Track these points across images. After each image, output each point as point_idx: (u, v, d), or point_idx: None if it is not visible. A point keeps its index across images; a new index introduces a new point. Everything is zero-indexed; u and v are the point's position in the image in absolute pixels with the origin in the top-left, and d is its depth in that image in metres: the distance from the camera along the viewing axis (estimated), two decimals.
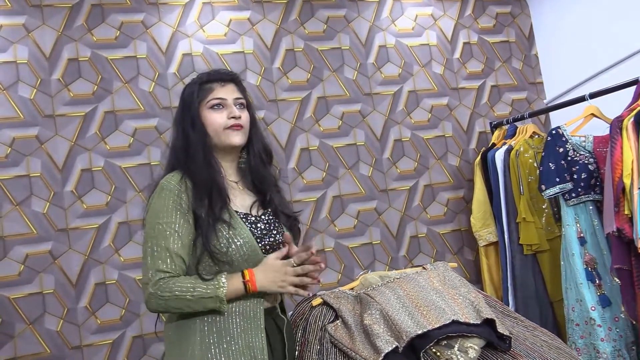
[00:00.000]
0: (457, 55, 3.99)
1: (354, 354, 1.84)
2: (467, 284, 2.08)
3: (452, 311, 1.83)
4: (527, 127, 3.60)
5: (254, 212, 1.94)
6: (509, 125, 3.76)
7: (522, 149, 3.45)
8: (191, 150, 1.89)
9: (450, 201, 3.85)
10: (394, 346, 1.78)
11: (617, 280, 2.83)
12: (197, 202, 1.81)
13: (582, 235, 3.08)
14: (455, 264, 2.31)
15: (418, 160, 3.79)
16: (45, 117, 3.14)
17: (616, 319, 2.97)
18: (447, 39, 3.99)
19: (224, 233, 1.81)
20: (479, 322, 1.82)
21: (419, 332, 1.77)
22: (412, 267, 2.50)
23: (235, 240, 1.82)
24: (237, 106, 1.96)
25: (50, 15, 3.23)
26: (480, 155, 3.69)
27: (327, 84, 3.68)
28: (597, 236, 3.06)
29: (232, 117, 1.92)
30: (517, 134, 3.63)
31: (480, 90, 4.00)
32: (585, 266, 3.05)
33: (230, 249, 1.81)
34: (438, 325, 1.78)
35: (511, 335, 1.86)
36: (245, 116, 1.97)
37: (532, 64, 4.15)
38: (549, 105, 3.94)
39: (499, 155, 3.52)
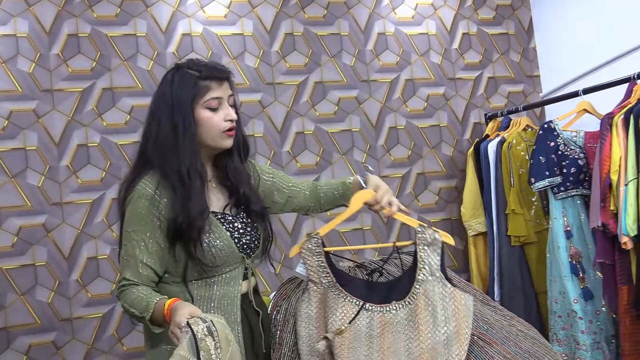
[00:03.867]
0: (455, 45, 4.01)
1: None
2: (451, 312, 1.91)
3: None
4: (521, 120, 3.62)
5: (228, 212, 1.91)
6: (503, 117, 3.78)
7: (514, 141, 3.48)
8: (179, 153, 1.77)
9: (442, 190, 3.88)
10: None
11: (600, 274, 2.88)
12: (176, 212, 1.75)
13: (568, 228, 3.12)
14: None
15: (412, 149, 3.83)
16: (43, 91, 3.17)
17: (597, 312, 3.01)
18: (446, 28, 4.00)
19: (204, 238, 1.78)
20: None
21: None
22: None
23: (216, 244, 1.80)
24: (231, 105, 1.87)
25: None
26: (473, 146, 3.72)
27: (325, 69, 3.70)
28: (583, 230, 3.09)
29: (229, 120, 1.83)
30: (510, 127, 3.66)
31: (477, 81, 4.02)
32: (570, 259, 3.09)
33: (211, 252, 1.79)
34: None
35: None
36: (236, 117, 1.88)
37: (530, 57, 4.17)
38: (544, 99, 3.96)
39: (492, 147, 3.55)
